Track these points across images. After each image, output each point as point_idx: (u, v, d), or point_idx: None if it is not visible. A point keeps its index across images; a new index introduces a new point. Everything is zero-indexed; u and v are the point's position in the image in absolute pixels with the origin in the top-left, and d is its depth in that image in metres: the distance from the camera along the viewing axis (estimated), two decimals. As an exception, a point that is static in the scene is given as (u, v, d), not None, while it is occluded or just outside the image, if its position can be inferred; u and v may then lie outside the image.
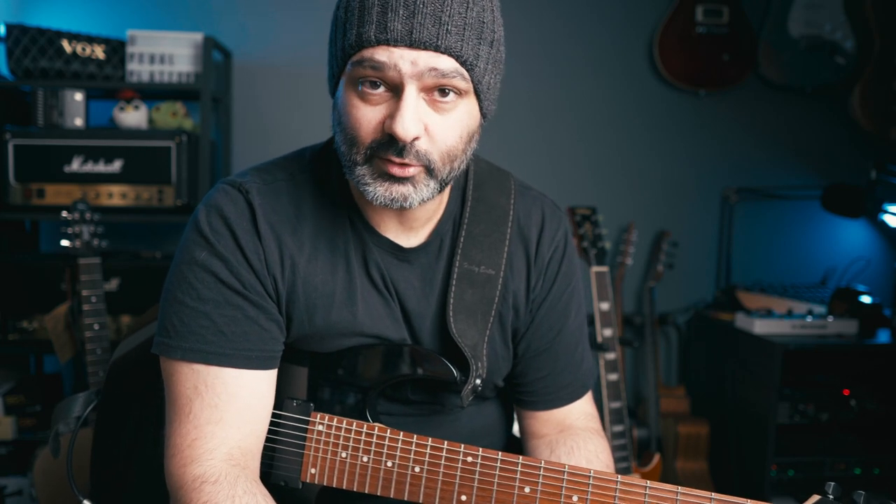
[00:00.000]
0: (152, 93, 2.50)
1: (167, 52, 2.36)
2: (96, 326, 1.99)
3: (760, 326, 2.36)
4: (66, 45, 2.30)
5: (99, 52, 2.34)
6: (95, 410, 1.17)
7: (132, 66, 2.35)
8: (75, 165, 2.27)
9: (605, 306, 2.36)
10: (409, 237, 1.05)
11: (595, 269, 2.38)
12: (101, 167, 2.28)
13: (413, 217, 1.03)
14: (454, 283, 1.05)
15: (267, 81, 2.71)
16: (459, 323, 1.04)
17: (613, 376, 2.32)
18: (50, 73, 2.30)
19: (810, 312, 2.42)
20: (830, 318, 2.38)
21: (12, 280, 2.29)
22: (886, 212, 2.58)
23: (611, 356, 2.33)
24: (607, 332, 2.34)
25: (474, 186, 1.11)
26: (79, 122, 2.32)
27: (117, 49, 2.36)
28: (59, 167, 2.27)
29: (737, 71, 2.78)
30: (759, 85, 2.85)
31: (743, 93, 2.85)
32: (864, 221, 2.91)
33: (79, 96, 2.31)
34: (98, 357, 1.98)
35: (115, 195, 2.29)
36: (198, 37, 2.37)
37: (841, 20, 2.70)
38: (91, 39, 2.34)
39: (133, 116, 2.36)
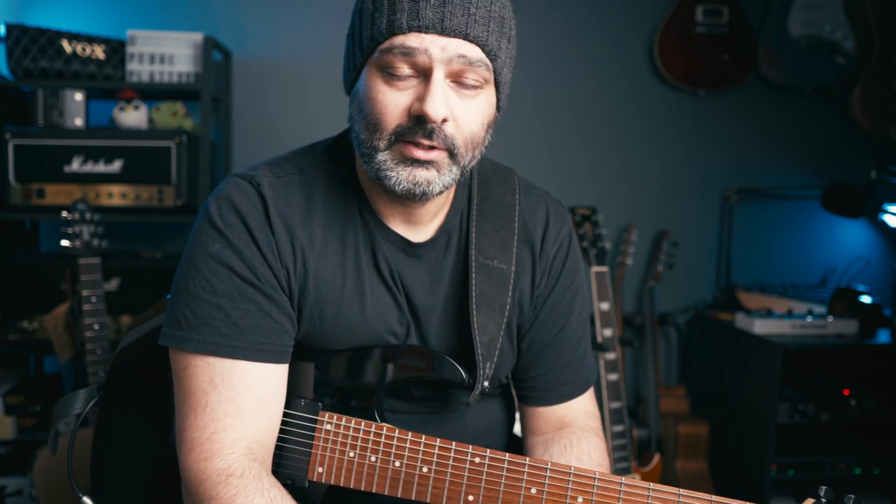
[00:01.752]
0: (152, 93, 2.49)
1: (167, 52, 2.36)
2: (96, 326, 1.99)
3: (760, 326, 2.36)
4: (66, 45, 2.30)
5: (99, 52, 2.34)
6: (96, 407, 1.17)
7: (132, 66, 2.35)
8: (75, 165, 2.27)
9: (605, 306, 2.36)
10: (418, 232, 1.06)
11: (595, 269, 2.38)
12: (101, 167, 2.28)
13: (421, 212, 1.04)
14: (474, 276, 1.05)
15: (267, 81, 2.71)
16: (481, 317, 1.04)
17: (613, 376, 2.32)
18: (50, 73, 2.30)
19: (810, 312, 2.42)
20: (830, 318, 2.38)
21: (12, 280, 2.29)
22: (886, 212, 2.58)
23: (611, 356, 2.33)
24: (607, 332, 2.34)
25: (479, 184, 1.12)
26: (79, 122, 2.32)
27: (117, 49, 2.36)
28: (59, 167, 2.27)
29: (737, 71, 2.78)
30: (759, 85, 2.85)
31: (743, 93, 2.85)
32: (864, 221, 2.91)
33: (79, 96, 2.31)
34: (98, 357, 1.98)
35: (115, 195, 2.29)
36: (198, 37, 2.37)
37: (841, 20, 2.70)
38: (91, 39, 2.33)
39: (133, 116, 2.36)
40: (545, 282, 1.13)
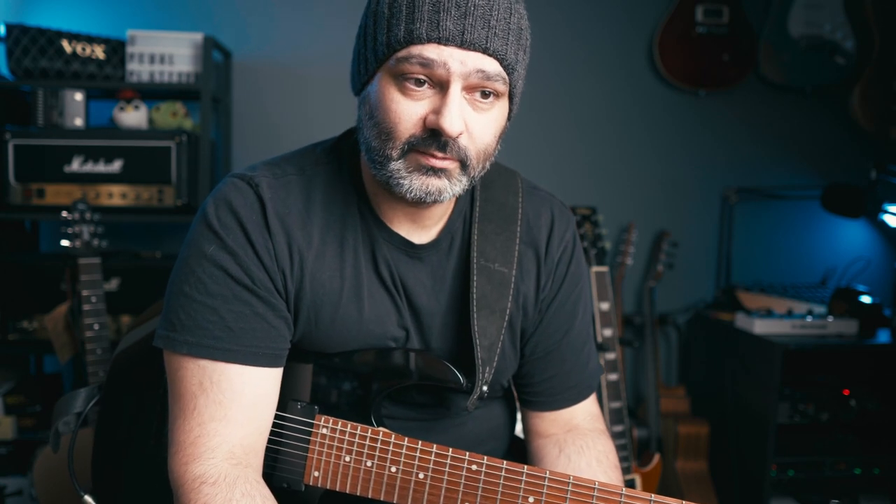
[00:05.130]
0: (152, 93, 2.49)
1: (167, 52, 2.36)
2: (96, 326, 1.99)
3: (760, 326, 2.36)
4: (66, 45, 2.30)
5: (99, 52, 2.34)
6: (97, 405, 1.17)
7: (132, 66, 2.35)
8: (75, 165, 2.27)
9: (605, 306, 2.36)
10: (421, 234, 1.05)
11: (595, 269, 2.38)
12: (101, 167, 2.28)
13: (427, 215, 1.03)
14: (475, 278, 1.04)
15: (267, 81, 2.71)
16: (482, 320, 1.03)
17: (613, 376, 2.32)
18: (50, 73, 2.30)
19: (810, 312, 2.42)
20: (830, 318, 2.38)
21: (12, 280, 2.29)
22: (886, 212, 2.58)
23: (611, 356, 2.33)
24: (607, 332, 2.34)
25: (482, 186, 1.11)
26: (79, 122, 2.32)
27: (117, 49, 2.36)
28: (59, 167, 2.27)
29: (737, 71, 2.78)
30: (759, 85, 2.85)
31: (743, 93, 2.85)
32: (864, 221, 2.91)
33: (79, 96, 2.31)
34: (98, 357, 1.98)
35: (115, 195, 2.29)
36: (198, 37, 2.37)
37: (841, 20, 2.70)
38: (91, 39, 2.33)
39: (133, 116, 2.36)
40: (550, 286, 1.12)
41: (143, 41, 2.36)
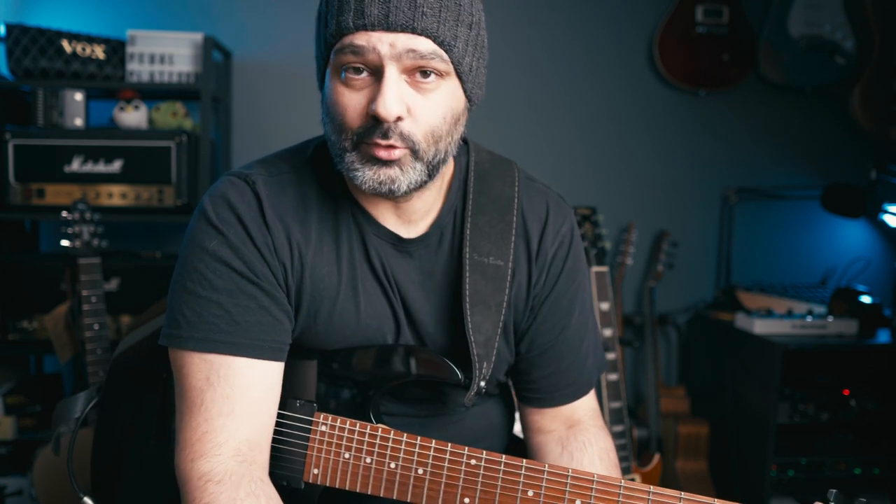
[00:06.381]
0: (152, 93, 2.49)
1: (167, 52, 2.36)
2: (96, 326, 1.99)
3: (760, 326, 2.36)
4: (66, 45, 2.30)
5: (99, 52, 2.34)
6: (96, 407, 1.17)
7: (132, 66, 2.35)
8: (75, 165, 2.27)
9: (605, 306, 2.36)
10: (409, 229, 1.04)
11: (595, 269, 2.38)
12: (101, 167, 2.28)
13: (411, 209, 1.03)
14: (468, 274, 1.03)
15: (267, 81, 2.71)
16: (476, 316, 1.02)
17: (613, 376, 2.32)
18: (50, 73, 2.30)
19: (810, 312, 2.42)
20: (830, 318, 2.38)
21: (12, 280, 2.29)
22: (886, 212, 2.58)
23: (611, 356, 2.33)
24: (607, 332, 2.34)
25: (476, 177, 1.09)
26: (79, 122, 2.32)
27: (117, 49, 2.36)
28: (59, 167, 2.27)
29: (737, 71, 2.78)
30: (759, 85, 2.85)
31: (743, 93, 2.85)
32: (864, 221, 2.91)
33: (79, 96, 2.31)
34: (98, 357, 1.98)
35: (115, 195, 2.29)
36: (198, 37, 2.37)
37: (841, 20, 2.70)
38: (91, 39, 2.34)
39: (133, 116, 2.36)
40: (543, 282, 1.09)
41: (143, 41, 2.36)
